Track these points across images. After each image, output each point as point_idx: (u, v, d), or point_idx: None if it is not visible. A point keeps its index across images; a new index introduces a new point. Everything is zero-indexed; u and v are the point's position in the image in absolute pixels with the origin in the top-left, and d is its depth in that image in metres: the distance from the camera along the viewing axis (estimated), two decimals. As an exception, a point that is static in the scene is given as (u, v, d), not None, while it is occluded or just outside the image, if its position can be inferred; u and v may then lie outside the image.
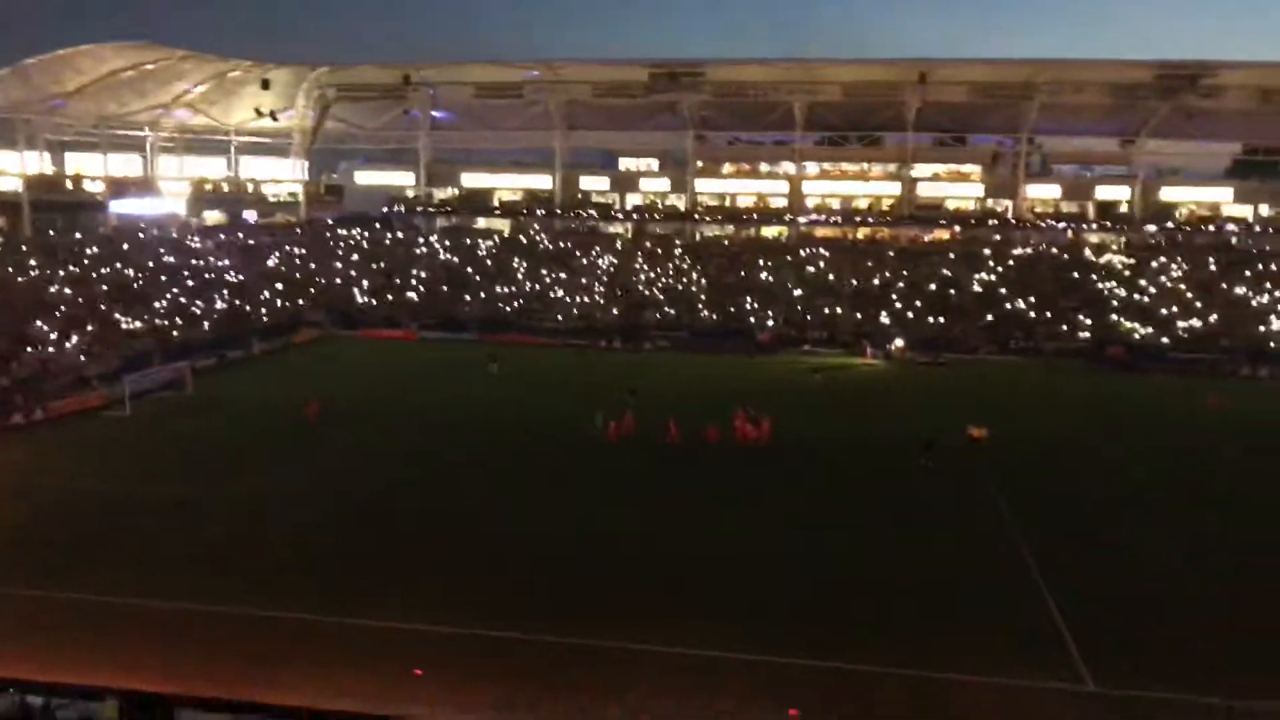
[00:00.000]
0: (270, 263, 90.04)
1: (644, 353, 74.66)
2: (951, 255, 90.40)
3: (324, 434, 47.36)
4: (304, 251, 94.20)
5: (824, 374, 64.98)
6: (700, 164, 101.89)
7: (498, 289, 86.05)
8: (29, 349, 57.58)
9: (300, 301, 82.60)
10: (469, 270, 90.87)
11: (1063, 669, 24.61)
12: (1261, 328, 75.10)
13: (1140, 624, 27.25)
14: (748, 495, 38.69)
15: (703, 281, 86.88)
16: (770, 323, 78.72)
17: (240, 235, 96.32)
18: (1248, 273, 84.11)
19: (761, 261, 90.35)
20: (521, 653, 25.00)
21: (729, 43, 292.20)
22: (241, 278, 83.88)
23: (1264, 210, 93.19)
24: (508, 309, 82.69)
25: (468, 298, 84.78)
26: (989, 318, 78.49)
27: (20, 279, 68.91)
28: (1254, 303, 79.28)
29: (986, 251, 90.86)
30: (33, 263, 72.41)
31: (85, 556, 31.10)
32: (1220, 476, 42.76)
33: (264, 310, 78.36)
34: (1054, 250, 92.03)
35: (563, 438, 47.16)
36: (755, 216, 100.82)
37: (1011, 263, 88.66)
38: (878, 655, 25.05)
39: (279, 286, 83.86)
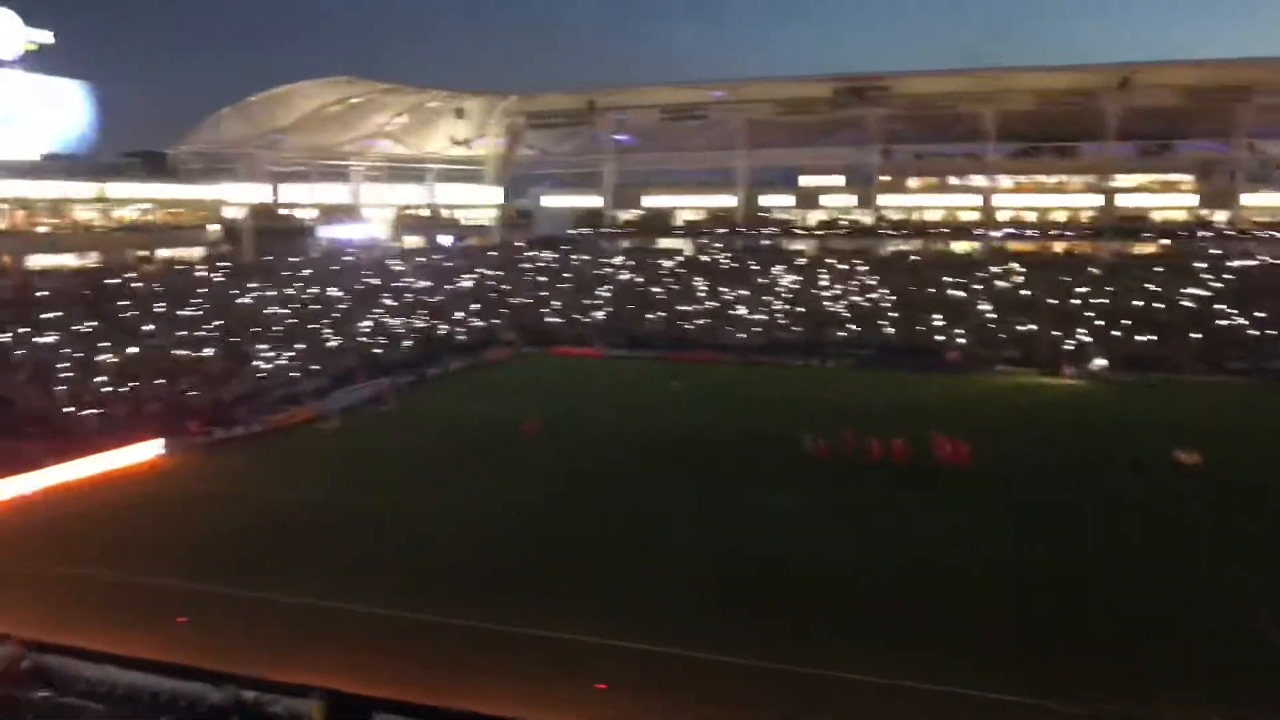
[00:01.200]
0: (465, 284, 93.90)
1: (828, 370, 73.58)
2: (1159, 269, 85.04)
3: (522, 448, 48.82)
4: (496, 273, 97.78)
5: (1028, 400, 61.69)
6: (886, 178, 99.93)
7: (680, 307, 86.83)
8: (250, 366, 62.08)
9: (493, 321, 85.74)
10: (652, 289, 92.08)
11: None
12: None
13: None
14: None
15: (890, 298, 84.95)
16: (960, 340, 76.16)
17: (437, 258, 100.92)
18: None
19: (950, 278, 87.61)
20: (714, 676, 24.99)
21: (913, 55, 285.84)
22: (438, 298, 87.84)
23: None
24: (690, 326, 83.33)
25: (651, 316, 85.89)
26: (1200, 335, 73.39)
27: (242, 300, 74.39)
28: None
29: (1199, 265, 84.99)
30: (252, 285, 78.03)
31: (292, 561, 33.08)
32: None
33: (460, 329, 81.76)
34: (1277, 263, 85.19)
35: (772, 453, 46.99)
36: (944, 231, 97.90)
37: (1229, 276, 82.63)
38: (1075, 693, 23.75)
39: (473, 306, 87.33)
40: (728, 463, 46.00)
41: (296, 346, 67.02)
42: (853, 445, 46.34)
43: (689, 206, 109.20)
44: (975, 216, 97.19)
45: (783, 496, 40.05)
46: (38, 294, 63.98)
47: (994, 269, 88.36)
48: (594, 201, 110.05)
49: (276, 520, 37.92)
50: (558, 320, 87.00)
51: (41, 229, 70.79)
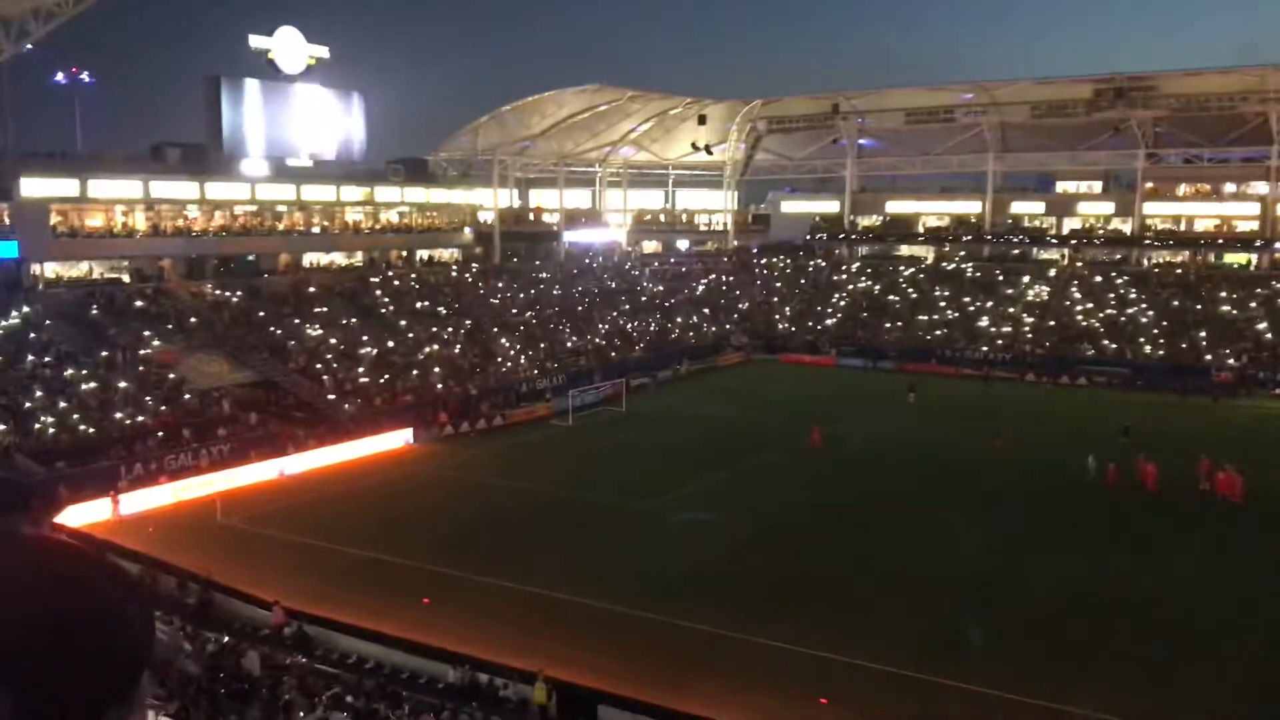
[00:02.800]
0: (699, 289, 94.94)
1: (1077, 388, 69.35)
2: None
3: (744, 454, 48.92)
4: (730, 278, 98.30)
5: None
6: (1150, 185, 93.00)
7: (919, 317, 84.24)
8: (496, 362, 65.38)
9: (726, 325, 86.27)
10: (890, 297, 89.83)
11: None
12: None
13: None
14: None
15: (1150, 313, 79.00)
16: (1231, 361, 69.85)
17: (673, 262, 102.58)
18: None
19: (1222, 293, 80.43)
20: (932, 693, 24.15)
21: (1181, 52, 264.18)
22: (672, 302, 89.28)
23: None
24: (928, 337, 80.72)
25: (887, 325, 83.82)
26: None
27: (489, 300, 78.35)
28: None
29: None
30: (499, 286, 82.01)
31: (524, 550, 34.54)
32: None
33: (692, 333, 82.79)
34: None
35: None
36: (1216, 242, 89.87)
37: None
38: None
39: (706, 311, 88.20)
40: (978, 482, 44.22)
41: (538, 345, 69.94)
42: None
43: (933, 213, 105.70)
44: (1254, 226, 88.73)
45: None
46: (310, 290, 69.82)
47: (1276, 284, 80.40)
48: (832, 207, 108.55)
49: (513, 510, 39.70)
50: (790, 327, 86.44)
51: (315, 229, 77.15)
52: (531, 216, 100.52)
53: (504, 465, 47.94)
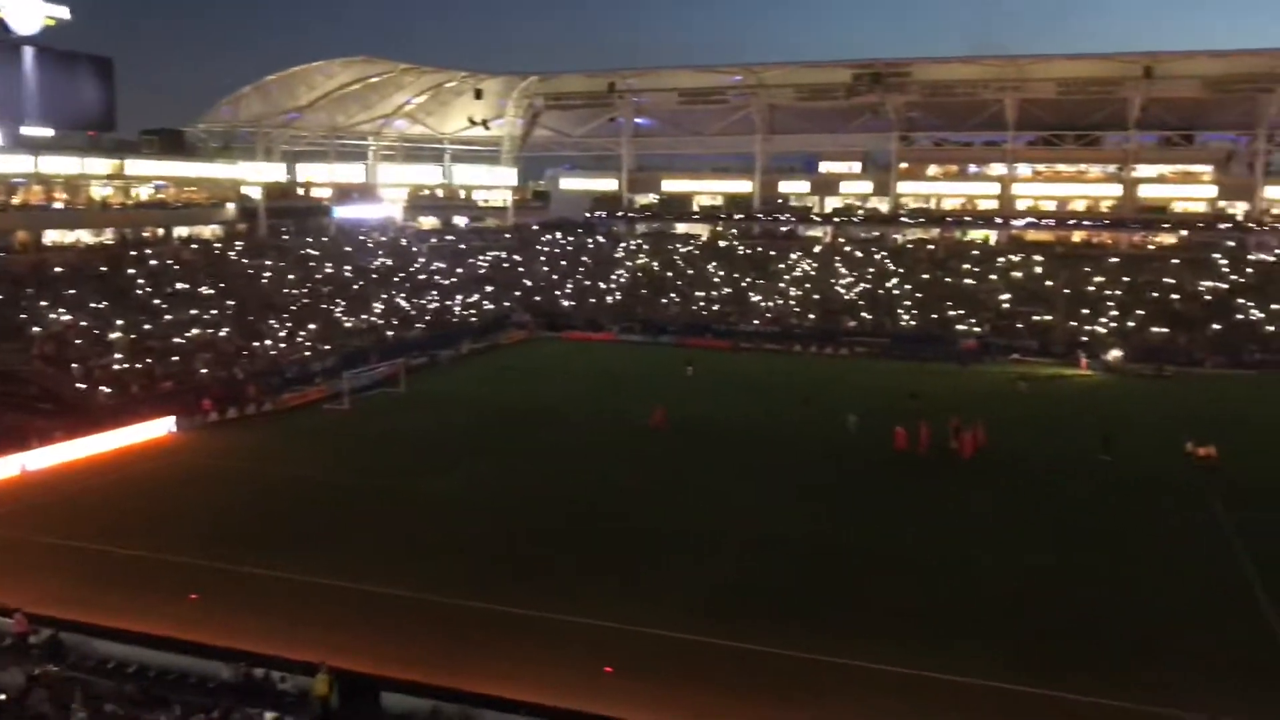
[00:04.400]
0: (480, 266, 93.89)
1: (841, 359, 73.50)
2: (1177, 261, 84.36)
3: (530, 432, 48.95)
4: (511, 255, 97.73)
5: (1029, 384, 62.01)
6: (904, 166, 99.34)
7: (695, 293, 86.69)
8: (262, 344, 62.31)
9: (507, 304, 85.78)
10: (668, 274, 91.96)
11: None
12: None
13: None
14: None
15: (905, 286, 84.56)
16: (975, 330, 75.83)
17: (452, 239, 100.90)
18: None
19: (967, 266, 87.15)
20: (704, 655, 25.01)
21: (932, 41, 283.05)
22: (452, 280, 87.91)
23: None
24: (704, 312, 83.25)
25: (666, 301, 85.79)
26: (1218, 328, 72.86)
27: (256, 279, 74.58)
28: None
29: (1218, 257, 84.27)
30: (267, 264, 78.21)
31: (299, 539, 33.24)
32: None
33: (473, 311, 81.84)
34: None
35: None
36: (962, 219, 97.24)
37: (1248, 270, 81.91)
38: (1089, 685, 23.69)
39: (488, 289, 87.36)
40: (753, 447, 46.08)
41: (309, 326, 67.22)
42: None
43: (707, 191, 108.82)
44: (994, 205, 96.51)
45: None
46: (56, 270, 64.27)
47: (1012, 258, 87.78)
48: (611, 185, 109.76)
49: (285, 498, 38.11)
50: (571, 304, 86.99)
51: (57, 205, 71.01)
52: (300, 191, 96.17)
53: (274, 452, 45.89)
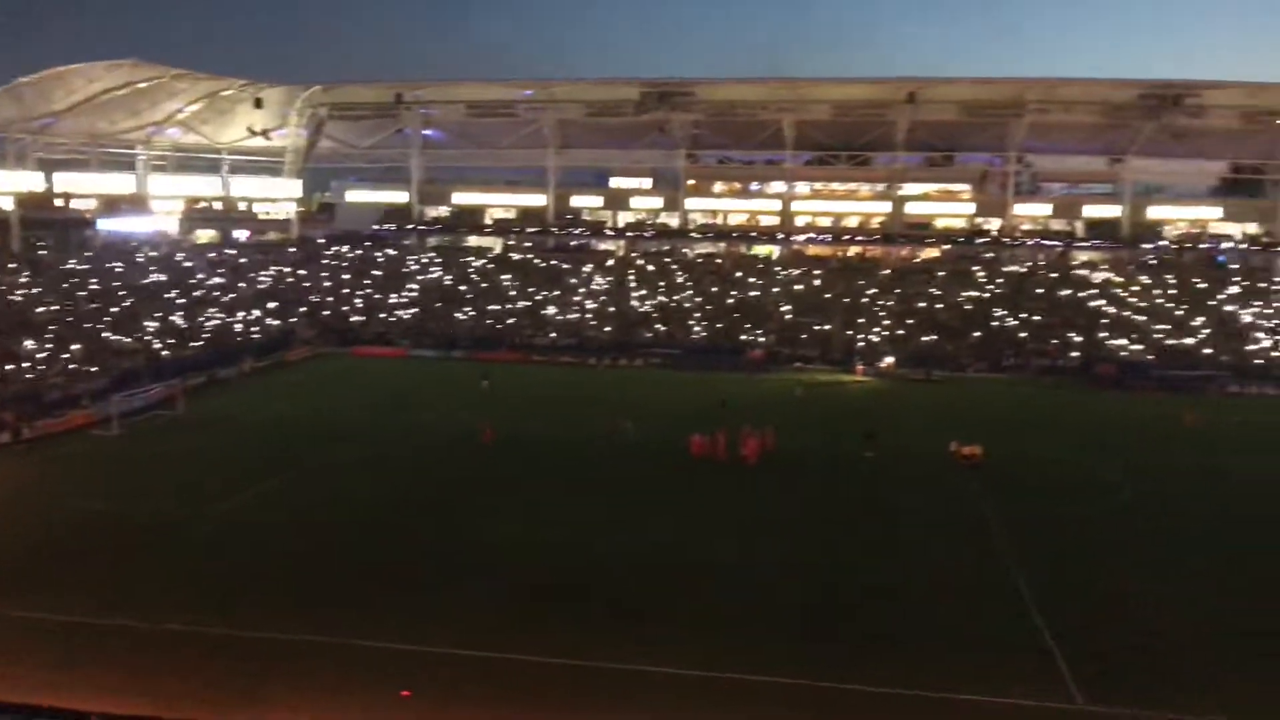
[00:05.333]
0: (262, 281, 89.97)
1: (636, 369, 74.84)
2: (941, 273, 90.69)
3: (316, 452, 47.27)
4: (296, 270, 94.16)
5: (805, 389, 65.36)
6: (692, 182, 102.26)
7: (489, 306, 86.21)
8: (18, 367, 57.45)
9: (292, 319, 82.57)
10: (461, 287, 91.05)
11: (1054, 687, 24.62)
12: (1249, 345, 75.62)
13: (1128, 641, 27.30)
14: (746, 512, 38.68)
15: (695, 299, 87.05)
16: (762, 340, 78.93)
17: (231, 253, 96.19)
18: (1234, 290, 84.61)
19: (753, 279, 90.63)
20: (511, 672, 24.92)
21: (721, 60, 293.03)
22: (233, 296, 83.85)
23: (1251, 228, 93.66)
24: (499, 326, 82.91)
25: (459, 315, 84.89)
26: (979, 335, 78.79)
27: (9, 297, 68.75)
28: (1241, 320, 79.81)
29: (976, 269, 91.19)
30: (22, 280, 72.25)
31: (67, 576, 30.91)
32: (1200, 494, 42.92)
33: (256, 328, 78.32)
34: (1043, 268, 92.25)
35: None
36: (747, 234, 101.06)
37: (1001, 280, 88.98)
38: (862, 673, 25.07)
39: (271, 305, 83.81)
40: (541, 459, 46.15)
41: (73, 347, 62.52)
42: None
43: (499, 205, 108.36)
44: (775, 221, 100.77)
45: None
46: None
47: (793, 271, 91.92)
48: (400, 197, 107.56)
49: (43, 531, 35.30)
50: (361, 319, 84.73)
51: None
52: (59, 202, 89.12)
53: (33, 482, 42.43)
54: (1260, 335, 77.37)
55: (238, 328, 77.23)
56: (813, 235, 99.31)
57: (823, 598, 30.18)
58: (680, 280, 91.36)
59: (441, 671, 24.84)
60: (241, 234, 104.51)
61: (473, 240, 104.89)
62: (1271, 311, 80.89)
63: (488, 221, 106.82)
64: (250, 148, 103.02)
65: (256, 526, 36.26)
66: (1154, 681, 24.94)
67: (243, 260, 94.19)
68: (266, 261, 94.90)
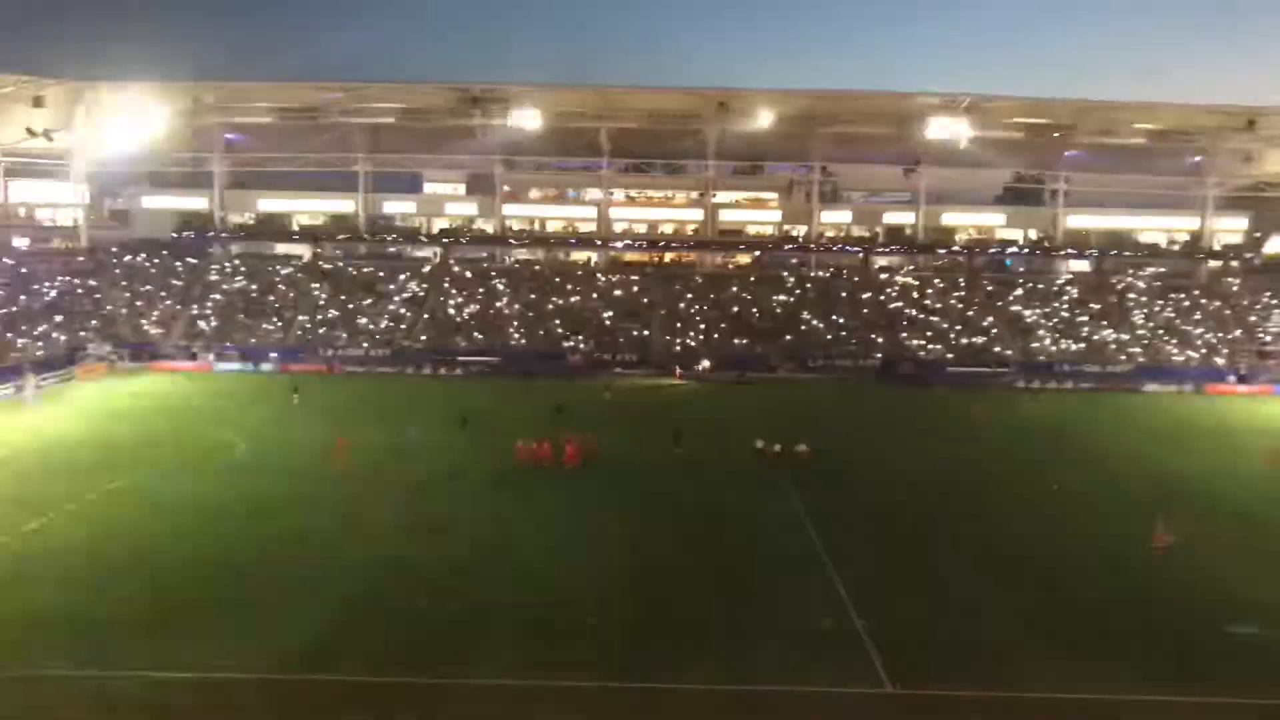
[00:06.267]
0: (46, 293, 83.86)
1: (455, 379, 73.91)
2: (753, 279, 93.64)
3: (100, 475, 44.33)
4: (86, 281, 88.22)
5: (613, 393, 66.22)
6: (508, 188, 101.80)
7: (299, 316, 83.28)
8: None
9: (83, 333, 77.38)
10: (269, 297, 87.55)
11: (865, 674, 25.78)
12: (1034, 343, 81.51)
13: (937, 626, 28.89)
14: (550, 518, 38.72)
15: (514, 306, 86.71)
16: (582, 346, 79.39)
17: (10, 263, 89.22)
18: (1020, 292, 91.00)
19: (572, 286, 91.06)
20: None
21: (543, 69, 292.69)
22: (12, 310, 77.85)
23: (1032, 234, 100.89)
24: (310, 337, 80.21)
25: (267, 325, 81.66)
26: (789, 338, 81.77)
27: None
28: (1026, 319, 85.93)
29: (785, 274, 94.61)
30: None
31: None
32: (985, 484, 46.00)
33: (41, 344, 72.99)
34: (847, 273, 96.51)
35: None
36: (565, 241, 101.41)
37: (808, 285, 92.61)
38: (681, 671, 25.55)
39: (58, 318, 78.29)
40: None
41: None
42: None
43: (308, 210, 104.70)
44: (593, 228, 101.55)
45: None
46: None
47: (612, 277, 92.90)
48: (201, 203, 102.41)
49: None
50: (160, 331, 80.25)
51: None
52: None
53: None
54: (1043, 333, 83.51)
55: (19, 343, 71.75)
56: (630, 242, 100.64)
57: (637, 597, 30.55)
58: (499, 287, 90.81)
59: (229, 701, 23.82)
60: (22, 242, 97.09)
61: (280, 247, 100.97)
62: (1051, 311, 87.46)
63: (295, 227, 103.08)
64: (30, 149, 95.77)
65: (21, 554, 33.63)
66: (964, 664, 26.45)
67: (23, 271, 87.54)
68: (52, 272, 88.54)
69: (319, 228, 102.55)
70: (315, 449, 48.99)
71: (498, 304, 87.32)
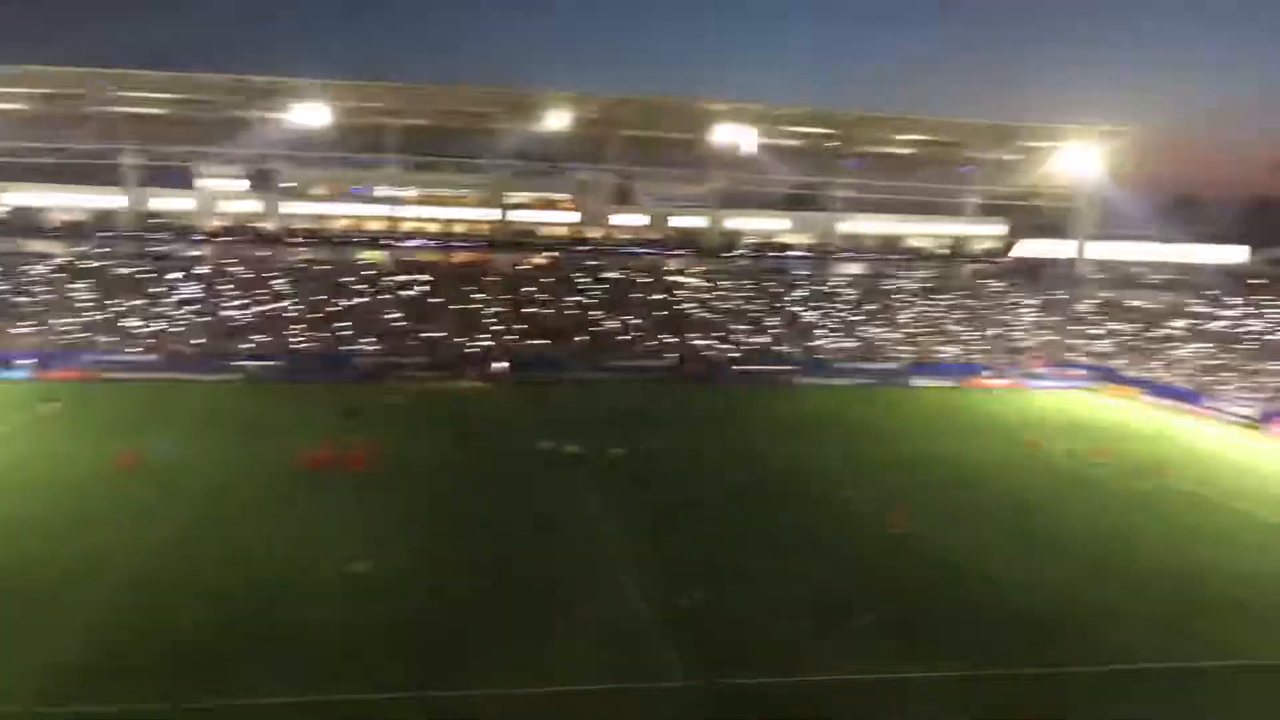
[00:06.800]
0: None
1: (236, 384, 70.03)
2: (548, 279, 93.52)
3: None
4: None
5: (404, 396, 64.60)
6: (291, 185, 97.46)
7: (57, 320, 76.83)
8: None
9: None
10: (20, 298, 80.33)
11: (662, 669, 26.07)
12: (814, 342, 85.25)
13: (732, 616, 29.57)
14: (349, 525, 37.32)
15: (299, 307, 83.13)
16: (372, 348, 76.99)
17: None
18: (801, 293, 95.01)
19: (361, 286, 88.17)
20: None
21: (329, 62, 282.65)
22: None
23: (812, 238, 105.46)
24: (69, 341, 74.14)
25: (20, 330, 74.93)
26: (584, 338, 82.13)
27: None
28: (806, 319, 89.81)
29: (580, 275, 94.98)
30: None
31: None
32: (772, 478, 47.79)
33: None
34: (640, 274, 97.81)
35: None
36: (352, 240, 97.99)
37: (604, 286, 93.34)
38: (483, 677, 25.11)
39: None
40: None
41: None
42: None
43: (67, 205, 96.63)
44: (382, 226, 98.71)
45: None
46: None
47: (402, 277, 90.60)
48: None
49: None
50: (-109, 336, 72.31)
51: None
52: None
53: None
54: (822, 333, 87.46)
55: None
56: (421, 241, 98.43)
57: (429, 605, 29.83)
58: (283, 288, 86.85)
59: None
60: None
61: (35, 245, 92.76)
62: (829, 311, 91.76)
63: (53, 224, 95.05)
64: None
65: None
66: (756, 653, 27.18)
67: None
68: None
69: (80, 224, 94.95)
70: (69, 462, 45.34)
71: (282, 305, 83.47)
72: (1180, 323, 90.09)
